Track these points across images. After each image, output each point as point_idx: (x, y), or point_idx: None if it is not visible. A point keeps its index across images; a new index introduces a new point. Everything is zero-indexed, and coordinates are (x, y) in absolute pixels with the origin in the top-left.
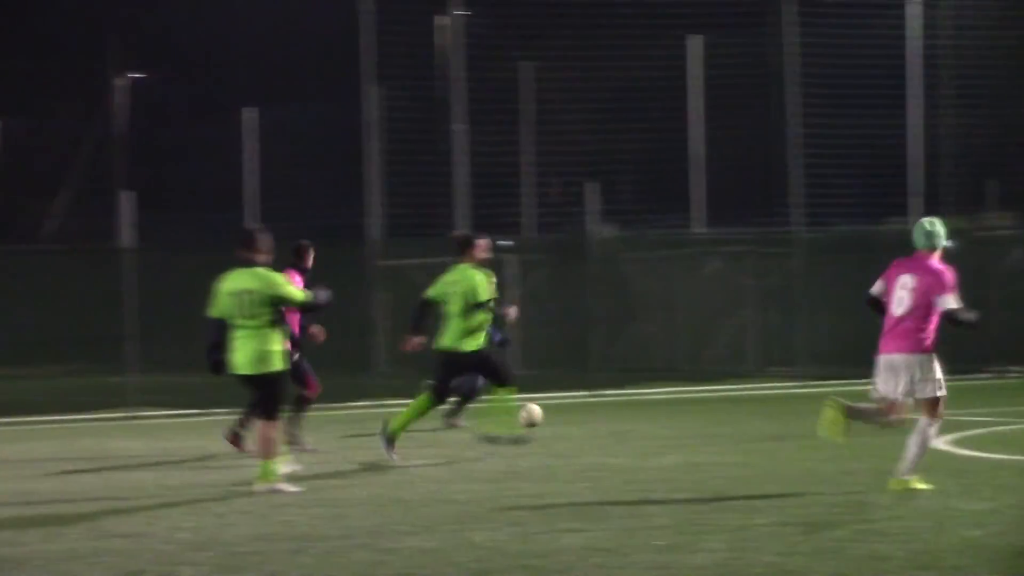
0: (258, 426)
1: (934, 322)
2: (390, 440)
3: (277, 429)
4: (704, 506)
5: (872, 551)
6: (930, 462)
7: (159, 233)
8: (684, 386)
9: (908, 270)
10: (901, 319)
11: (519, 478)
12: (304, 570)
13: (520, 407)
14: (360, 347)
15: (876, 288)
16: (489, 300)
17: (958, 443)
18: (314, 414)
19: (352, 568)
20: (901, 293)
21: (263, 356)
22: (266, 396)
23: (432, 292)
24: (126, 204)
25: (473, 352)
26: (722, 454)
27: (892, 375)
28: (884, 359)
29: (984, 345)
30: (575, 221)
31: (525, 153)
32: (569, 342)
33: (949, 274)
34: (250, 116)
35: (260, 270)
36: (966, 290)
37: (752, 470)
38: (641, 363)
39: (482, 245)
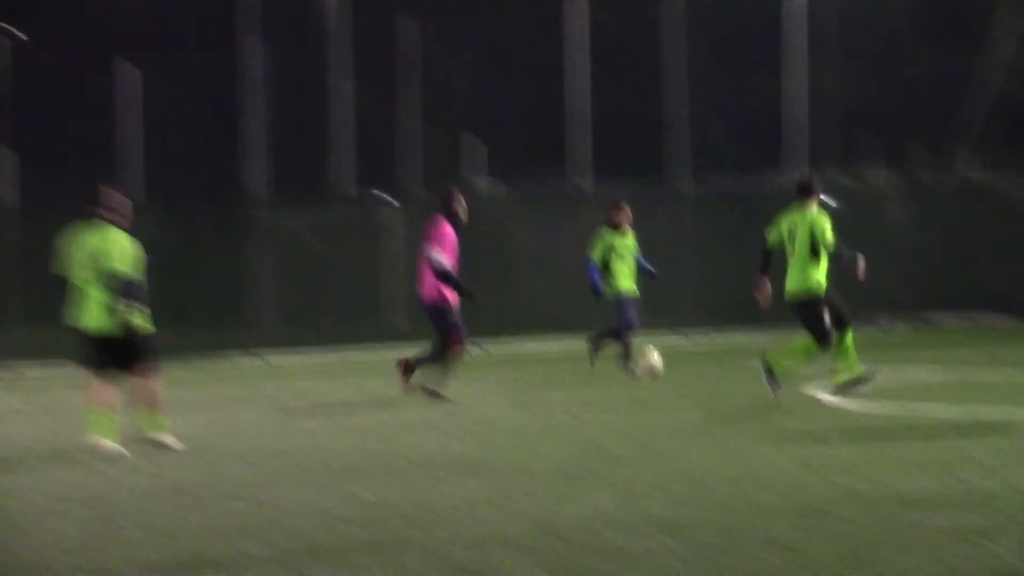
0: (139, 380)
1: None
2: (770, 372)
3: (159, 381)
4: (591, 460)
5: (760, 501)
6: (813, 414)
7: (45, 191)
8: (571, 341)
9: None
10: None
11: (405, 433)
12: (189, 524)
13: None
14: (243, 301)
15: None
16: (825, 242)
17: (832, 394)
18: (196, 370)
19: (236, 522)
20: None
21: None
22: (138, 351)
23: (771, 237)
24: (8, 163)
25: (817, 295)
26: (608, 409)
27: None
28: None
29: (865, 299)
30: (457, 177)
31: (407, 109)
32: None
33: None
34: (128, 71)
35: (109, 228)
36: (848, 244)
37: (638, 424)
38: (528, 318)
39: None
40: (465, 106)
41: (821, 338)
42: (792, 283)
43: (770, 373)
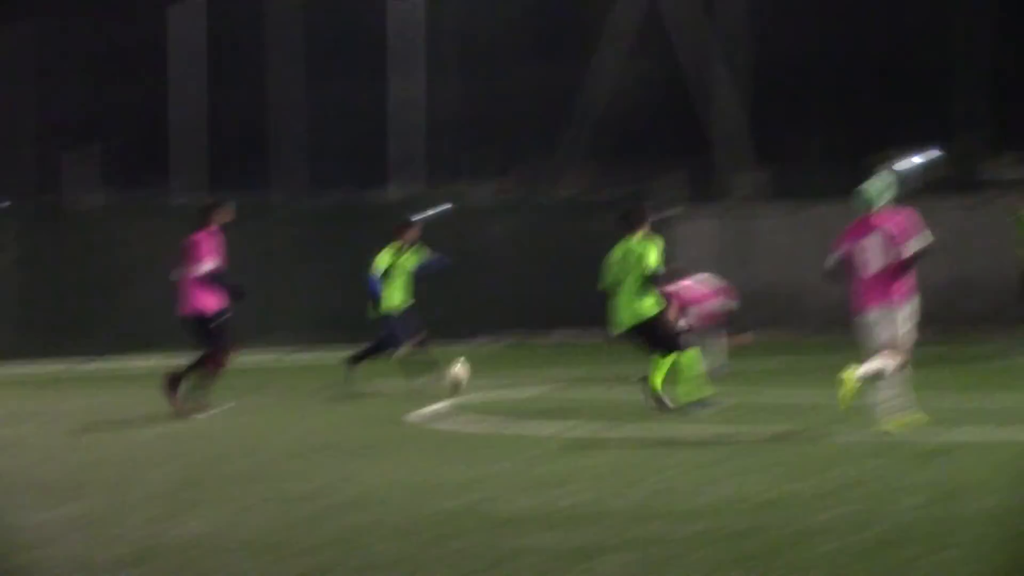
0: None
1: (903, 272)
2: (658, 399)
3: None
4: (203, 480)
5: (365, 525)
6: (411, 434)
7: None
8: (183, 356)
9: (867, 232)
10: (874, 277)
11: (2, 452)
12: None
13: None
14: None
15: (835, 258)
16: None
17: (437, 416)
18: None
19: None
20: (867, 255)
21: None
22: None
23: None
24: None
25: (649, 316)
26: (207, 424)
27: (878, 327)
28: (870, 314)
29: (462, 313)
30: (59, 187)
31: (15, 116)
32: (60, 311)
33: (907, 220)
34: None
35: None
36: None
37: (234, 442)
38: (138, 332)
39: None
40: (76, 114)
41: (674, 346)
42: (623, 313)
43: (658, 399)
